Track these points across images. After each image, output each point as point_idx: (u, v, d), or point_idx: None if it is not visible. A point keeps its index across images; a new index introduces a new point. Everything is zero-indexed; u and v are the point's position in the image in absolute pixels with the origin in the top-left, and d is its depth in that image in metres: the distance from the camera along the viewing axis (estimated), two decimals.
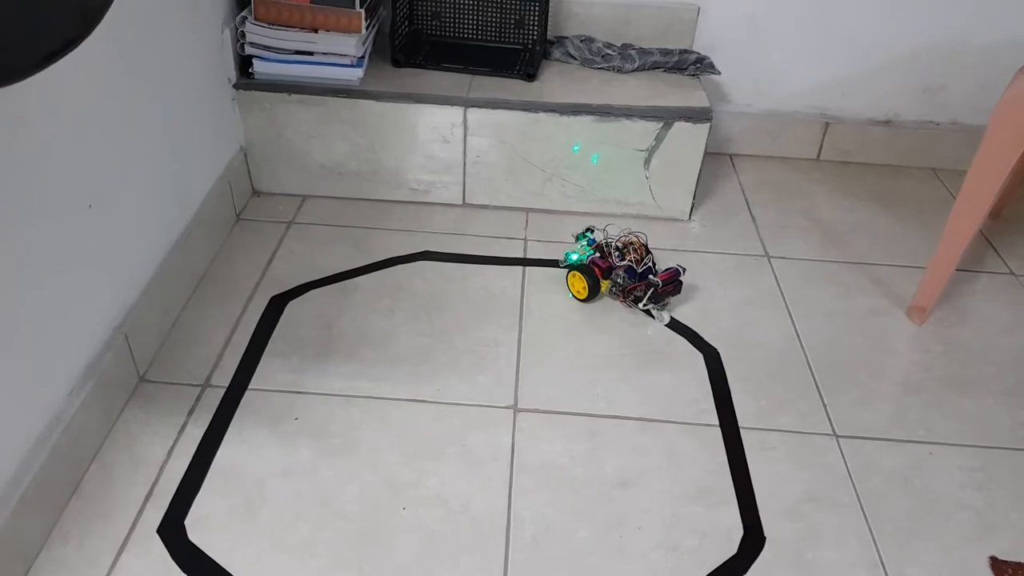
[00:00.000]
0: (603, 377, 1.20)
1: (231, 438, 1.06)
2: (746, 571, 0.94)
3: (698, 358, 1.25)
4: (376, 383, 1.16)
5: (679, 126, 1.48)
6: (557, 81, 1.57)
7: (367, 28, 1.46)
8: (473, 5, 1.61)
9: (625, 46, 1.65)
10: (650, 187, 1.55)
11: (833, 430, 1.13)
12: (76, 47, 0.63)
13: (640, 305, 1.31)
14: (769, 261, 1.48)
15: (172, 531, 0.94)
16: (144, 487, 0.99)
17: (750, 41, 1.71)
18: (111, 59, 1.03)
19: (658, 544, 0.96)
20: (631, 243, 1.37)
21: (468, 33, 1.65)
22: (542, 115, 1.47)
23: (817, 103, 1.79)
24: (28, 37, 0.59)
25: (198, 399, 1.12)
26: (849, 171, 1.81)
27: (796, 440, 1.12)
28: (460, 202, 1.58)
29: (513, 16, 1.61)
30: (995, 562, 0.97)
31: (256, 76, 1.47)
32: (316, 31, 1.43)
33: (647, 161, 1.51)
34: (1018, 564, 0.96)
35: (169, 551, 0.92)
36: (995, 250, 1.55)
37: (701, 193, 1.61)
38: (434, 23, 1.64)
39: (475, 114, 1.47)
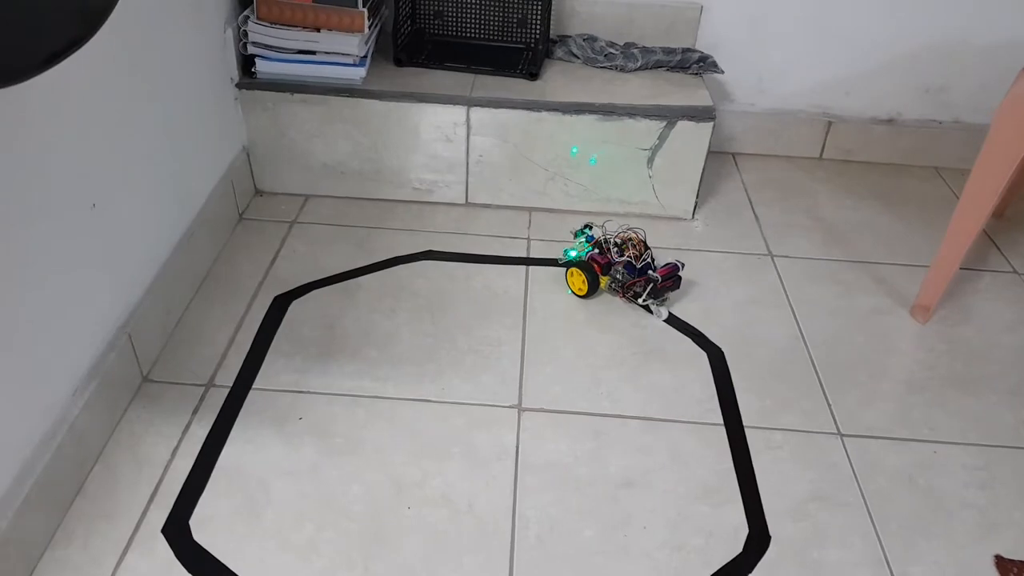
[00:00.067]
0: (607, 376, 1.20)
1: (235, 438, 1.06)
2: (751, 570, 0.94)
3: (702, 357, 1.24)
4: (380, 383, 1.16)
5: (682, 125, 1.47)
6: (560, 80, 1.57)
7: (370, 27, 1.46)
8: (476, 4, 1.61)
9: (628, 45, 1.65)
10: (653, 186, 1.54)
11: (837, 429, 1.13)
12: (79, 48, 0.63)
13: (639, 300, 1.31)
14: (772, 260, 1.48)
15: (176, 531, 0.94)
16: (148, 487, 0.99)
17: (753, 40, 1.71)
18: (113, 59, 1.03)
19: (663, 543, 0.96)
20: (630, 239, 1.36)
21: (471, 32, 1.64)
22: (545, 114, 1.47)
23: (820, 102, 1.79)
24: (28, 38, 0.58)
25: (202, 399, 1.12)
26: (852, 170, 1.81)
27: (801, 439, 1.11)
28: (463, 201, 1.58)
29: (516, 15, 1.61)
30: (1000, 560, 0.97)
31: (259, 75, 1.47)
32: (319, 30, 1.43)
33: (650, 160, 1.51)
34: (1023, 562, 0.96)
35: (174, 551, 0.92)
36: (998, 249, 1.55)
37: (704, 192, 1.61)
38: (436, 22, 1.64)
39: (478, 113, 1.47)
